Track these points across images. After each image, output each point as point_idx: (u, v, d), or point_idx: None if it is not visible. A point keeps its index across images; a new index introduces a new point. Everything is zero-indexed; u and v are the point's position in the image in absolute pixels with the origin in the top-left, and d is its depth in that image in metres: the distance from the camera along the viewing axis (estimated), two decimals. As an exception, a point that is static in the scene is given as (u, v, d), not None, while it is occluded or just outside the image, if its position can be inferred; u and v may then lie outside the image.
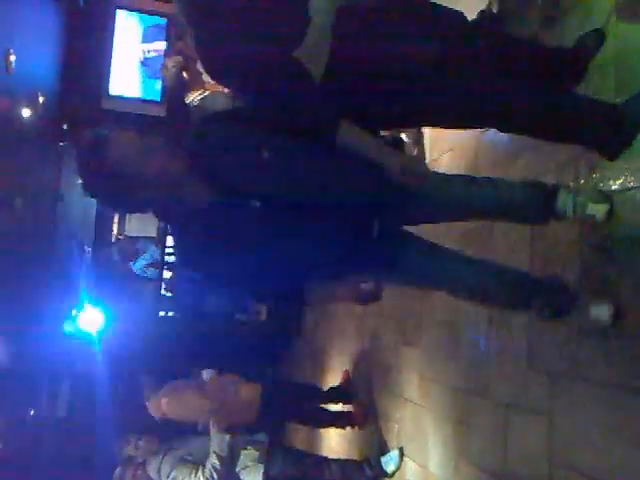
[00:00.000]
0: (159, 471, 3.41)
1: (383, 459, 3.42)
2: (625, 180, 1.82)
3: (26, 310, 4.95)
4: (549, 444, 2.04)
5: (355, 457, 3.83)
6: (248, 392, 3.79)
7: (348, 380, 4.36)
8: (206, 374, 4.02)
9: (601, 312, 1.75)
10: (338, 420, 4.15)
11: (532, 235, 2.24)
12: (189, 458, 3.44)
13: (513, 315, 2.33)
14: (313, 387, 4.60)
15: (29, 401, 5.38)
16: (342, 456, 4.01)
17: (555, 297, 1.84)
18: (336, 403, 4.29)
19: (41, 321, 5.35)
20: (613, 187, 1.85)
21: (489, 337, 2.50)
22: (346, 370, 4.47)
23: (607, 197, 1.83)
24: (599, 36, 1.94)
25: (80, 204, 6.19)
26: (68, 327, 5.72)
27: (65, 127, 5.60)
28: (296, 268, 1.65)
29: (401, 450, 3.35)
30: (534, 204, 1.86)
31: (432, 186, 1.79)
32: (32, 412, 5.35)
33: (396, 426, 3.49)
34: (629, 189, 1.80)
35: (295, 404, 4.17)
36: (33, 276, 4.93)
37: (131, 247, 7.26)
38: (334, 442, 4.68)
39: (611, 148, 1.82)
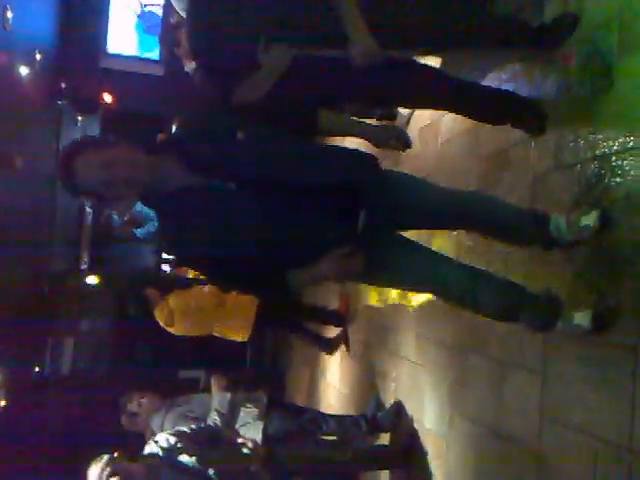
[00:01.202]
0: (162, 427, 3.49)
1: (380, 415, 3.50)
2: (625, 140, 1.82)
3: (28, 271, 4.98)
4: (542, 400, 2.10)
5: (352, 414, 3.92)
6: (247, 296, 4.01)
7: (347, 307, 4.61)
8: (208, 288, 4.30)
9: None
10: (328, 315, 4.74)
11: (533, 194, 2.26)
12: (191, 415, 3.51)
13: (508, 273, 2.36)
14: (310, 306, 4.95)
15: (33, 358, 5.47)
16: (340, 413, 4.11)
17: (543, 310, 1.84)
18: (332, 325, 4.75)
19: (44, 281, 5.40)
20: (614, 148, 1.86)
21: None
22: (345, 295, 4.61)
23: (594, 205, 1.86)
24: (574, 19, 2.02)
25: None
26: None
27: (63, 85, 5.53)
28: (276, 254, 1.67)
29: (399, 404, 3.42)
30: (525, 225, 1.91)
31: (418, 190, 1.85)
32: (36, 369, 5.45)
33: (393, 384, 3.57)
34: (631, 149, 1.80)
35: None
36: (35, 237, 4.95)
37: (139, 214, 7.27)
38: (333, 400, 4.79)
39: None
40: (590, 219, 1.82)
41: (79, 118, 5.95)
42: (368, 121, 2.23)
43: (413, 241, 1.89)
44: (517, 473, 2.22)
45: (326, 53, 1.93)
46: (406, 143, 1.96)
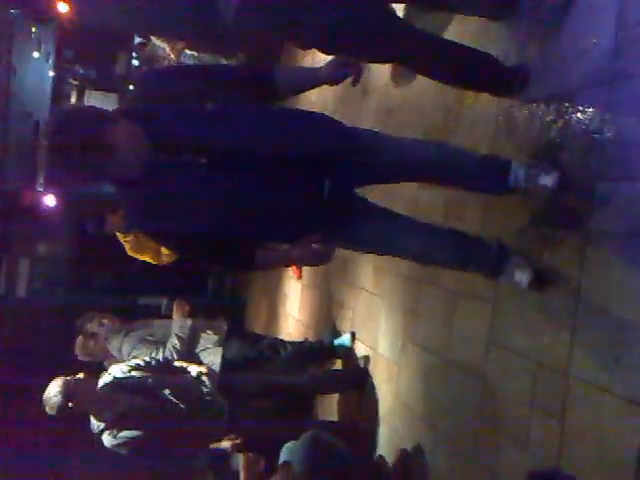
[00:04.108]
0: (120, 350, 3.51)
1: (336, 341, 3.62)
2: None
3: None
4: (490, 327, 2.20)
5: (310, 340, 4.03)
6: None
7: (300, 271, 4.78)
8: None
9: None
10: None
11: (495, 130, 2.28)
12: (150, 338, 3.55)
13: (466, 209, 2.42)
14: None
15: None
16: (298, 339, 4.23)
17: (491, 262, 1.93)
18: None
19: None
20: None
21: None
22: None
23: (555, 164, 1.85)
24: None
25: (34, 78, 5.86)
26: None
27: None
28: (246, 229, 1.70)
29: (353, 334, 3.54)
30: (486, 175, 1.92)
31: (380, 143, 1.86)
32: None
33: (350, 312, 3.67)
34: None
35: None
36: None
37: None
38: (291, 328, 4.90)
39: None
40: (549, 180, 1.83)
41: (33, 29, 5.61)
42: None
43: (369, 206, 1.93)
44: (461, 395, 2.35)
45: None
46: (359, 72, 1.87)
